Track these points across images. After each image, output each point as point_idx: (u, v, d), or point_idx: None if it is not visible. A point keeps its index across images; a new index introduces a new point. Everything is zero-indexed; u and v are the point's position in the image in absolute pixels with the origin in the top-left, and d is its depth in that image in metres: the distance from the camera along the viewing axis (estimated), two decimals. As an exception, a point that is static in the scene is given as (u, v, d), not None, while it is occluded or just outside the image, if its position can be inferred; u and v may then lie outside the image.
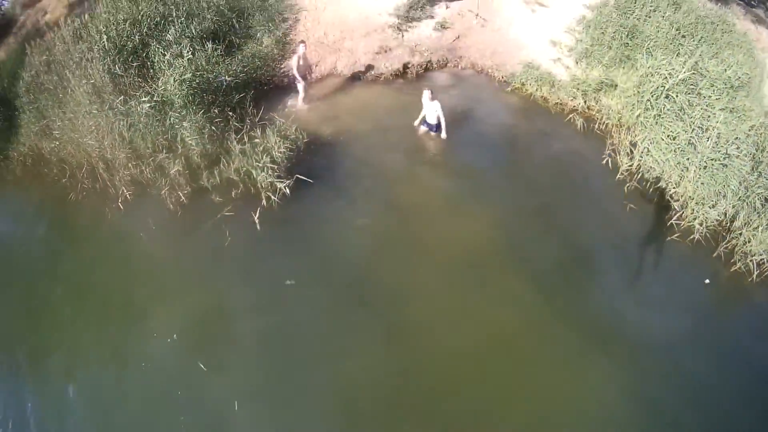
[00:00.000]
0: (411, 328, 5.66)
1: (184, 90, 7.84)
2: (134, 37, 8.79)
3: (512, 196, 7.27)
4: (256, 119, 7.79)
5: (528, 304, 5.85)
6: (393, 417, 4.96)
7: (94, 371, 6.01)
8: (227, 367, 5.52)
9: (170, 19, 8.97)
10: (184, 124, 7.64)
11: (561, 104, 9.16)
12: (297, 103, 8.76)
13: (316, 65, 9.56)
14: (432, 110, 7.94)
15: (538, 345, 5.53)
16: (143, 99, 7.89)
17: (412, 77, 9.58)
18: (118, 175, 7.71)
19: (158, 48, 8.37)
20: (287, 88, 9.10)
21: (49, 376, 6.09)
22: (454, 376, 5.23)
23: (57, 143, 8.65)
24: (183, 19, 9.03)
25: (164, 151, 7.65)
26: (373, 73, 9.59)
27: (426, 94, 7.91)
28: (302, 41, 8.81)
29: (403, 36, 9.96)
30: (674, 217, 6.93)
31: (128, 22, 8.91)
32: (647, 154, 7.60)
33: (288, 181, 7.11)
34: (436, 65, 9.88)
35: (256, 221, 6.81)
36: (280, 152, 7.34)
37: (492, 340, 5.54)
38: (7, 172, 9.06)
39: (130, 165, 7.79)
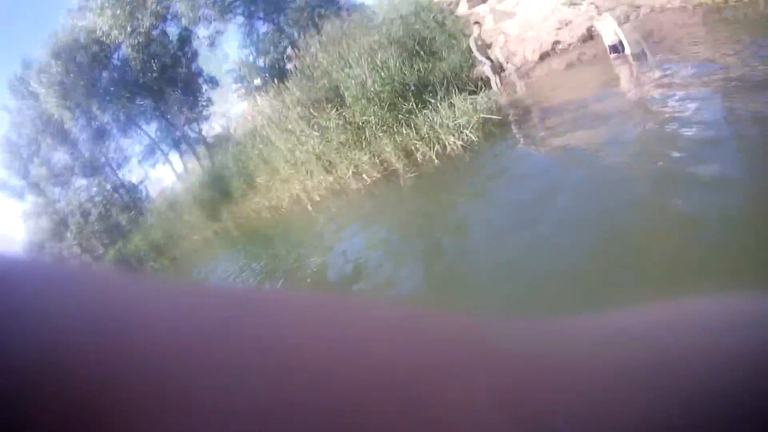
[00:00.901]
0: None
1: (373, 100, 7.55)
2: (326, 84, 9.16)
3: None
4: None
5: None
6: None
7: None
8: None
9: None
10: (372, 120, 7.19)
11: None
12: (492, 88, 7.86)
13: (508, 60, 8.91)
14: (606, 29, 6.16)
15: None
16: (332, 114, 7.81)
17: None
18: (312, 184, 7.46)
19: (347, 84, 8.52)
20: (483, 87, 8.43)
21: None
22: None
23: (263, 190, 9.03)
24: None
25: (356, 151, 7.21)
26: (560, 47, 9.15)
27: (590, 9, 6.21)
28: (476, 22, 8.19)
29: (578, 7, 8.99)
30: None
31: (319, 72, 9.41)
32: None
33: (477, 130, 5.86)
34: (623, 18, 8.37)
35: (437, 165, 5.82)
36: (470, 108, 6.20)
37: None
38: (223, 232, 9.79)
39: (322, 176, 7.53)
